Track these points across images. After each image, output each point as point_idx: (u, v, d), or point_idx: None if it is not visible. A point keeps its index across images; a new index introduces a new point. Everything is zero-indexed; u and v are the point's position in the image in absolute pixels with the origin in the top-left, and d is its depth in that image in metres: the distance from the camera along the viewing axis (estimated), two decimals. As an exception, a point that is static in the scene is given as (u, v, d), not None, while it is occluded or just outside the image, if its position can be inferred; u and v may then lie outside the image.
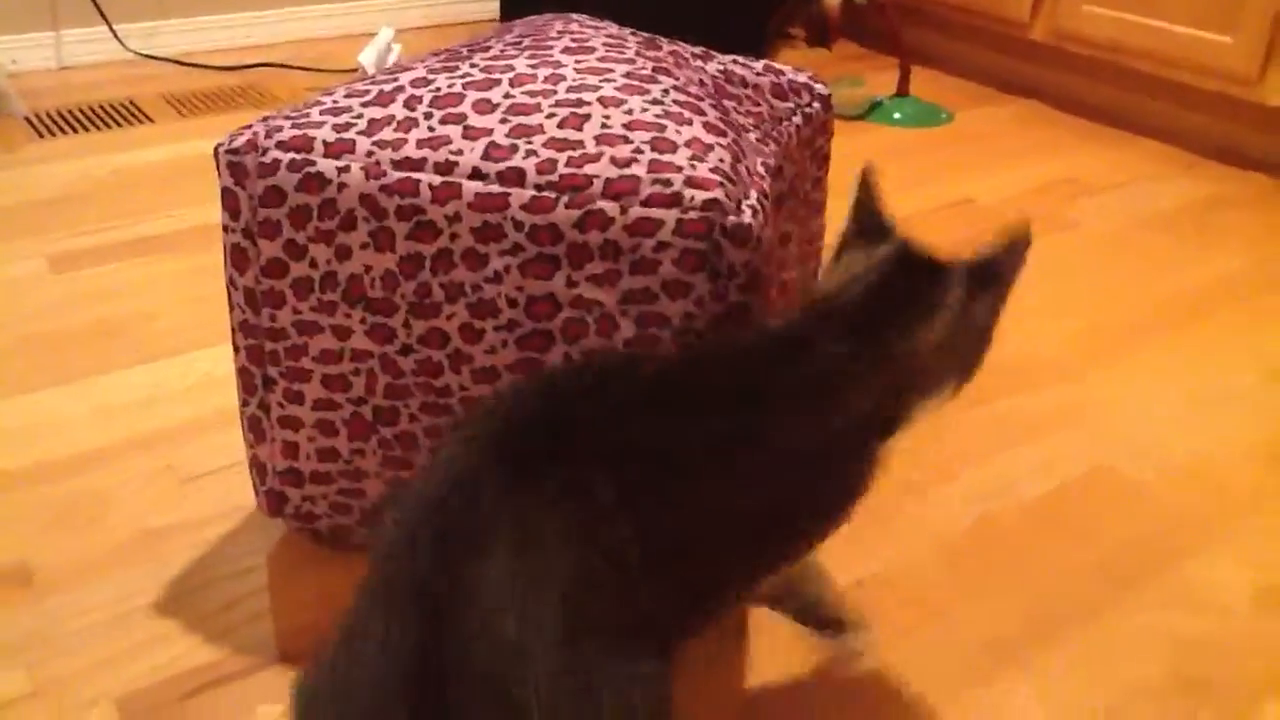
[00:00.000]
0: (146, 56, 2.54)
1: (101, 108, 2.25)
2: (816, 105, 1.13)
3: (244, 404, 1.02)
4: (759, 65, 1.12)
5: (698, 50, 1.10)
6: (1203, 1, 2.14)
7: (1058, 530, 1.17)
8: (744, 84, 1.07)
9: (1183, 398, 1.42)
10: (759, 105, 1.05)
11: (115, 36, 2.50)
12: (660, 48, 1.04)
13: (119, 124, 2.17)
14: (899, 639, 1.02)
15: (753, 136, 0.99)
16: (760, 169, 0.94)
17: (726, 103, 1.01)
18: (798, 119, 1.09)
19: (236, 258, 0.95)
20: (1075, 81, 2.54)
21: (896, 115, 2.38)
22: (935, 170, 2.12)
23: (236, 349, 0.99)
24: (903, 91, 2.45)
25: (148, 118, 2.21)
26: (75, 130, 2.13)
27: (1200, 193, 2.07)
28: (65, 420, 1.28)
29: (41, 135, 2.10)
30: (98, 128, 2.15)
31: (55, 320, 1.48)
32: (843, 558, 1.11)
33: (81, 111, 2.22)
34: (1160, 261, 1.80)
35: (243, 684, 0.95)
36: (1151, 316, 1.62)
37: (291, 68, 2.53)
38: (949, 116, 2.41)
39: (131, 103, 2.29)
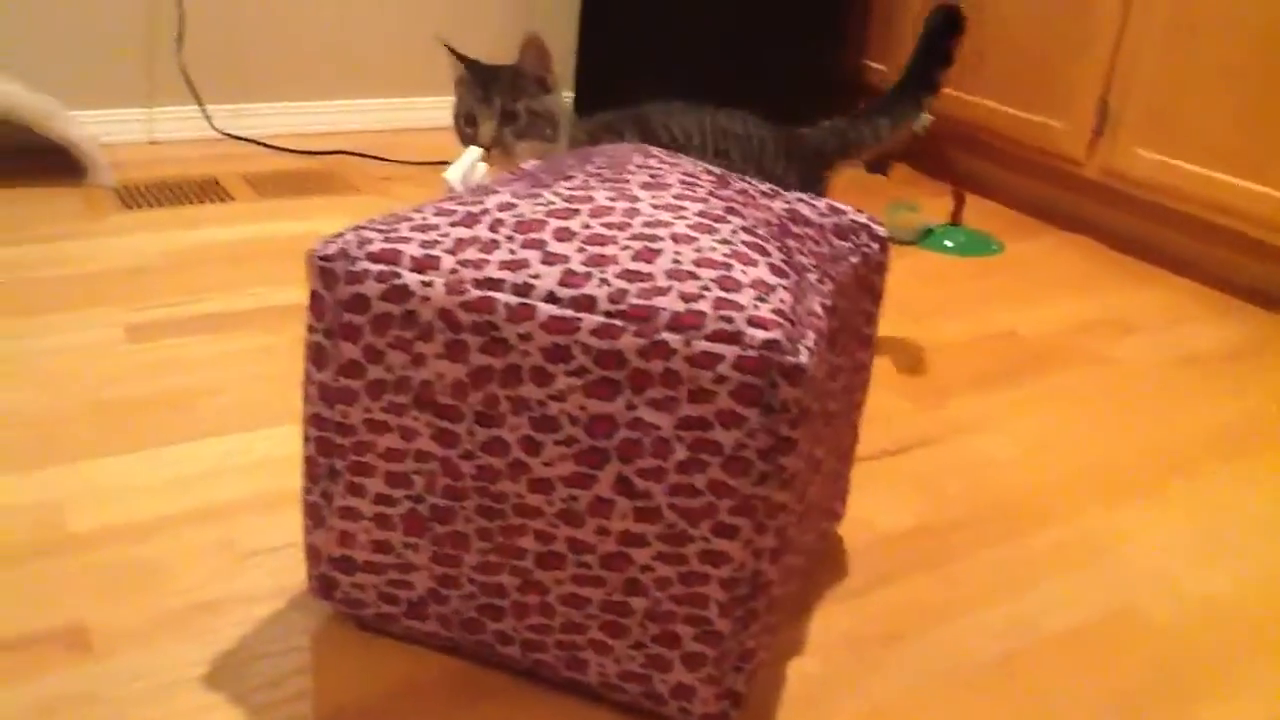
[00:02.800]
0: (232, 136, 2.66)
1: (186, 183, 2.35)
2: (874, 245, 1.18)
3: (307, 490, 1.08)
4: (822, 204, 1.18)
5: (765, 188, 1.16)
6: (1245, 152, 2.19)
7: (1077, 668, 1.19)
8: (807, 223, 1.13)
9: (1206, 537, 1.44)
10: (820, 245, 1.11)
11: (205, 115, 2.62)
12: (730, 185, 1.11)
13: (201, 200, 2.27)
14: (921, 772, 1.04)
15: (812, 276, 1.04)
16: (818, 308, 0.99)
17: (790, 242, 1.06)
18: (855, 258, 1.15)
19: (317, 355, 1.01)
20: (1125, 219, 2.59)
21: (948, 243, 2.44)
22: (982, 300, 2.17)
23: (306, 439, 1.05)
24: (956, 220, 2.51)
25: (229, 195, 2.31)
26: (159, 204, 2.23)
27: (1237, 336, 2.11)
28: (130, 488, 1.34)
29: (128, 206, 2.20)
30: (181, 202, 2.25)
31: (127, 388, 1.55)
32: (858, 680, 1.13)
33: (167, 186, 2.33)
34: (1192, 401, 1.83)
35: (284, 764, 0.99)
36: (1179, 455, 1.64)
37: (367, 156, 2.64)
38: (999, 247, 2.46)
39: (214, 180, 2.39)
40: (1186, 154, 2.31)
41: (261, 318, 1.78)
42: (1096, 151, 2.50)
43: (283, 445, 1.45)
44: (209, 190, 2.33)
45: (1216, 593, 1.34)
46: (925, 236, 2.46)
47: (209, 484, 1.36)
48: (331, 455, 1.04)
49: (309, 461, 1.06)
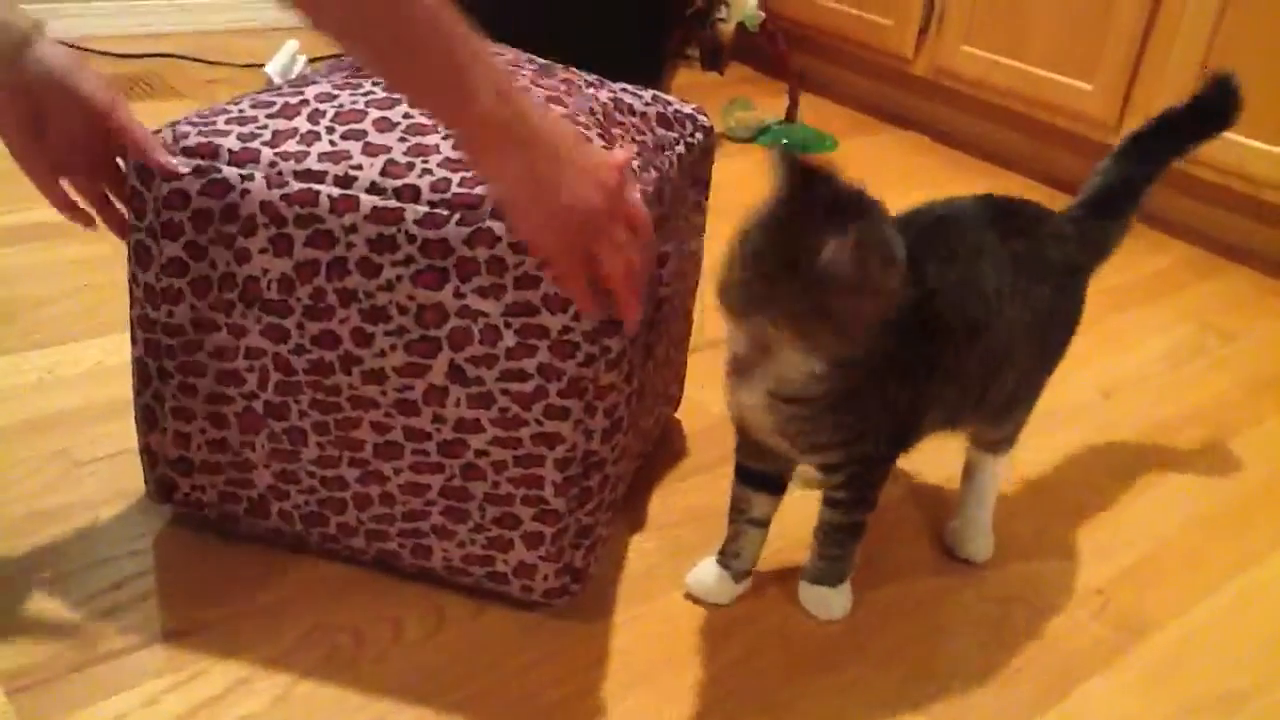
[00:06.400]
0: (42, 38, 2.51)
1: (-6, 89, 2.23)
2: (699, 135, 1.21)
3: (138, 394, 1.07)
4: (647, 95, 1.20)
5: (591, 78, 1.18)
6: (1067, 49, 2.29)
7: (899, 524, 1.27)
8: (632, 112, 1.15)
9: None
10: (644, 134, 1.13)
11: (10, 17, 2.47)
12: (554, 75, 1.12)
13: (12, 106, 2.16)
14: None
15: (635, 164, 1.07)
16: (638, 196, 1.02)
17: (614, 130, 1.09)
18: (680, 148, 1.17)
19: (139, 255, 0.99)
20: (952, 115, 2.68)
21: (784, 140, 2.49)
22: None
23: (134, 341, 1.04)
24: (791, 117, 2.56)
25: (42, 101, 2.20)
26: (-34, 110, 2.11)
27: (1058, 228, 2.22)
28: (-47, 403, 1.30)
29: (-69, 114, 2.08)
30: (-10, 109, 2.13)
31: (-57, 303, 1.49)
32: (697, 552, 1.20)
33: (-27, 91, 2.20)
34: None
35: (128, 659, 0.99)
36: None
37: (189, 59, 2.54)
38: (834, 144, 2.53)
39: (25, 85, 2.27)
40: (1008, 50, 2.41)
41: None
42: (924, 47, 2.58)
43: (111, 354, 1.42)
44: (21, 97, 2.21)
45: (1039, 464, 1.44)
46: (761, 134, 2.51)
47: (39, 395, 1.33)
48: (160, 357, 1.03)
49: (138, 364, 1.05)
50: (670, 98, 1.22)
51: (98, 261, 1.63)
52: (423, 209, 0.92)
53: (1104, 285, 1.99)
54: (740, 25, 2.55)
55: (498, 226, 0.91)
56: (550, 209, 0.84)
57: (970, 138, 2.66)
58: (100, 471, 1.22)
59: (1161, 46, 2.15)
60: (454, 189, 0.92)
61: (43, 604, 1.04)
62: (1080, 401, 1.60)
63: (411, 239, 0.93)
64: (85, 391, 1.34)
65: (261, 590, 1.09)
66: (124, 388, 1.35)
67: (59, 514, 1.15)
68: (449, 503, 1.03)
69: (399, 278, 0.94)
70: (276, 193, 0.93)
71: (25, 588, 1.06)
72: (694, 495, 1.30)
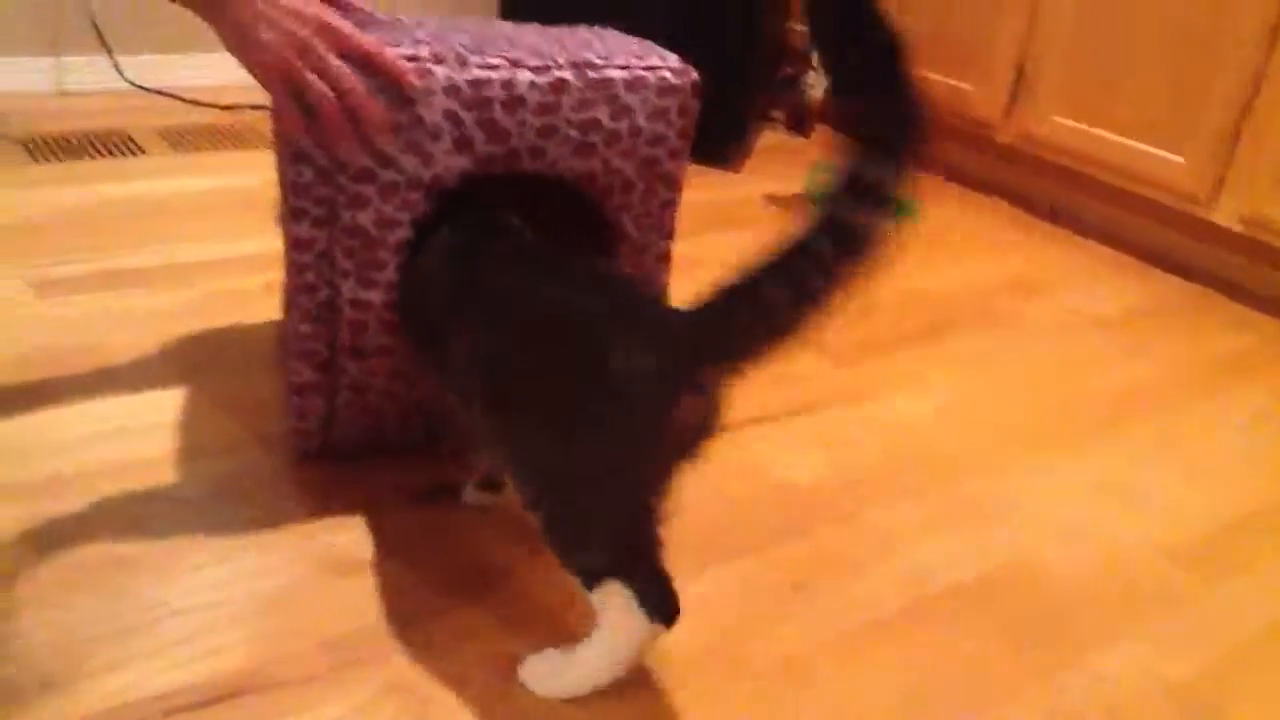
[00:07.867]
0: (144, 89, 2.60)
1: (96, 136, 2.30)
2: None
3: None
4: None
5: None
6: (1160, 121, 2.25)
7: (978, 616, 1.23)
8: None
9: (1101, 494, 1.50)
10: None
11: (115, 67, 2.56)
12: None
13: (112, 154, 2.23)
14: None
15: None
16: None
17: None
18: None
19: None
20: (1038, 184, 2.65)
21: (865, 204, 2.47)
22: (895, 260, 2.21)
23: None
24: (873, 181, 2.54)
25: (140, 149, 2.27)
26: (68, 157, 2.18)
27: (1139, 299, 2.18)
28: (37, 444, 1.32)
29: (36, 159, 2.15)
30: (91, 156, 2.20)
31: (32, 344, 1.52)
32: (769, 630, 1.17)
33: (76, 139, 2.28)
34: (1094, 362, 1.89)
35: (198, 715, 0.99)
36: (1077, 414, 1.70)
37: (284, 110, 2.59)
38: (916, 209, 2.50)
39: (126, 134, 2.34)
40: (1102, 121, 2.37)
41: (167, 275, 1.75)
42: (1012, 115, 2.55)
43: (185, 398, 1.44)
44: (120, 144, 2.28)
45: (1110, 547, 1.40)
46: (843, 197, 2.49)
47: (117, 441, 1.34)
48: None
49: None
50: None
51: (185, 309, 1.66)
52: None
53: (1185, 364, 1.95)
54: (828, 90, 2.55)
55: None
56: (252, 43, 1.12)
57: (1054, 205, 2.62)
58: (174, 521, 1.23)
59: (1259, 122, 2.10)
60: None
61: (111, 655, 1.05)
62: (1158, 486, 1.54)
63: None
64: (161, 440, 1.36)
65: (333, 650, 1.08)
66: (196, 438, 1.37)
67: (133, 563, 1.16)
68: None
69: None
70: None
71: (95, 640, 1.06)
72: (763, 569, 1.28)
